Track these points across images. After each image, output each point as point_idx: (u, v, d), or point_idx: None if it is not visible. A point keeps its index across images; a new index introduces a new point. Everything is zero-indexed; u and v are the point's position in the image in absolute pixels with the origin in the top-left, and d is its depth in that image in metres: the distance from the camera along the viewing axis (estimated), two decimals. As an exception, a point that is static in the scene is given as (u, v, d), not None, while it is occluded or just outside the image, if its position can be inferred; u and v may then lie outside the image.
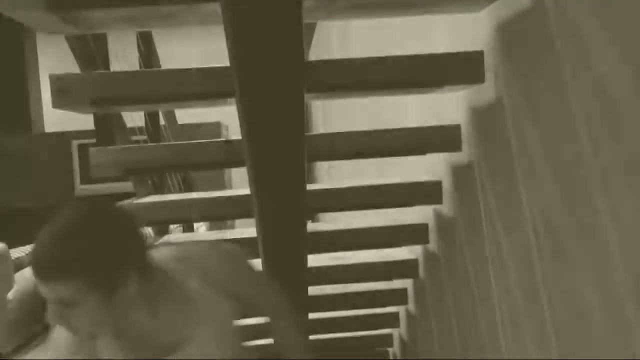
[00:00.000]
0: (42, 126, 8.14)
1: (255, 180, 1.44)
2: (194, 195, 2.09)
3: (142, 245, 1.10)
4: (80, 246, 1.03)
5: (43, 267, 1.01)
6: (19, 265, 4.83)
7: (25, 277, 4.84)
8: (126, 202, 1.85)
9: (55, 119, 8.45)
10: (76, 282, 1.02)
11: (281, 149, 1.36)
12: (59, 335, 1.23)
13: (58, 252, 1.01)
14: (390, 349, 3.08)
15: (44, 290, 1.02)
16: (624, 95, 0.92)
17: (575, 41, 1.06)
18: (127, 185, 7.79)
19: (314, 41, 6.27)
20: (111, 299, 1.06)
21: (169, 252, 1.26)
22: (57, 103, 1.41)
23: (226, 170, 8.00)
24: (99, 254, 1.04)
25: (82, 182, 7.40)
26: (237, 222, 8.68)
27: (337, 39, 4.52)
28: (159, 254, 1.24)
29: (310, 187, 1.93)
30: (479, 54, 1.50)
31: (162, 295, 1.18)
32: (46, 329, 5.25)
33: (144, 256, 1.11)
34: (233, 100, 1.48)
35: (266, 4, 1.02)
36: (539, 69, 1.21)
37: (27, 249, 5.10)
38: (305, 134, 1.41)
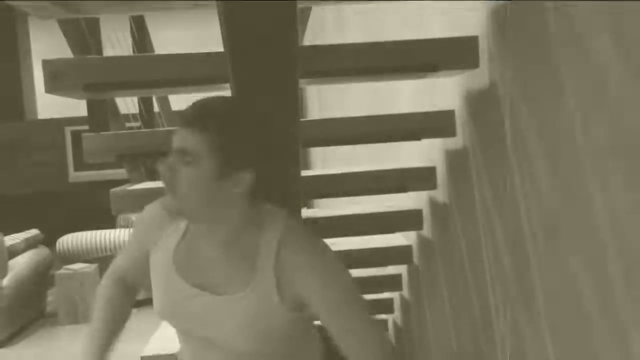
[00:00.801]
0: (35, 113, 8.09)
1: (249, 166, 1.44)
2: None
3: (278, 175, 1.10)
4: (239, 117, 1.05)
5: (194, 112, 1.03)
6: (12, 252, 4.81)
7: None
8: (119, 188, 1.84)
9: (49, 106, 8.40)
10: (208, 136, 1.02)
11: (276, 134, 1.35)
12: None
13: (218, 107, 1.04)
14: (384, 335, 3.10)
15: (176, 137, 1.04)
16: (618, 80, 0.92)
17: (569, 26, 1.06)
18: (121, 173, 7.75)
19: (308, 26, 6.24)
20: (219, 179, 1.05)
21: (289, 228, 1.15)
22: (50, 88, 1.40)
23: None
24: (246, 134, 1.05)
25: (76, 169, 7.38)
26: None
27: (332, 25, 4.50)
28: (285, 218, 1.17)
29: (304, 173, 1.93)
30: (474, 39, 1.50)
31: (241, 240, 1.13)
32: (42, 315, 5.24)
33: (271, 183, 1.10)
34: (227, 85, 1.48)
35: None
36: (534, 53, 1.21)
37: (20, 236, 5.08)
38: (300, 119, 1.41)
